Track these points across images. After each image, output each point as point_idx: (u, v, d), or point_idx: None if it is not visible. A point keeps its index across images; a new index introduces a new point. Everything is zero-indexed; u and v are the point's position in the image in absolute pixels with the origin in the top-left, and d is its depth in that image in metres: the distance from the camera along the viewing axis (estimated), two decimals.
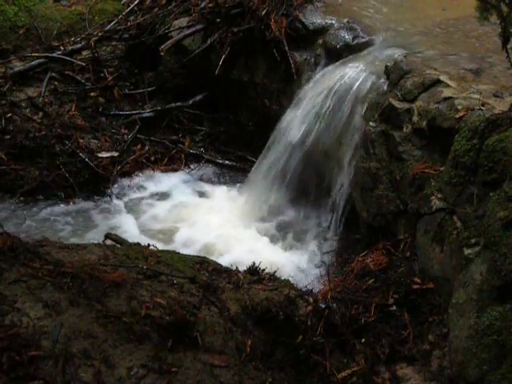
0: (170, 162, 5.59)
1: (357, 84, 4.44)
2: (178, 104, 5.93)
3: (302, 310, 3.36)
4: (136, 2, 6.50)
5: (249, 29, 5.37)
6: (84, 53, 6.20)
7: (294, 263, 4.46)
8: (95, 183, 5.19)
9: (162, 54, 5.62)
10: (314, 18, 5.24)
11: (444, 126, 3.59)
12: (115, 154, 5.42)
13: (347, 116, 4.48)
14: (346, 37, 4.95)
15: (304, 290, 3.71)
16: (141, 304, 2.86)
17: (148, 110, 5.88)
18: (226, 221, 4.91)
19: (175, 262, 3.45)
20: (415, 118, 3.84)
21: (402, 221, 3.95)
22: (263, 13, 5.28)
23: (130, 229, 4.82)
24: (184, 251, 3.90)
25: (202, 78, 5.79)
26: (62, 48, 6.23)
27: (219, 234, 4.72)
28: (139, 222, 4.94)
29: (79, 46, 6.23)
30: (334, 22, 5.15)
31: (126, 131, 5.71)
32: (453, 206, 3.36)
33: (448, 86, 3.82)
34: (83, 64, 6.05)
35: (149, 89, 6.01)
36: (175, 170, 5.54)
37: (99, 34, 6.29)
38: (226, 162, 5.70)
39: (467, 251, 3.11)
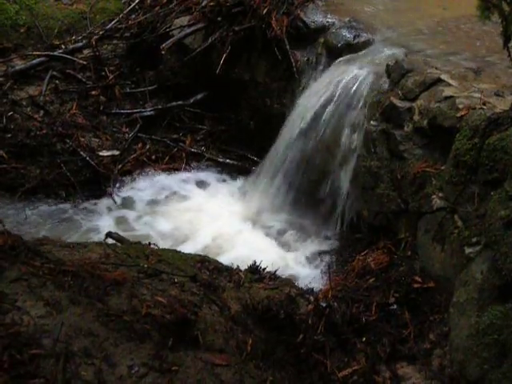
0: (170, 161, 5.59)
1: (358, 83, 4.44)
2: (179, 103, 5.93)
3: (302, 309, 3.37)
4: (137, 1, 6.51)
5: (250, 27, 5.37)
6: (85, 51, 6.21)
7: (295, 262, 4.47)
8: (96, 182, 5.19)
9: (163, 52, 5.61)
10: (315, 17, 5.25)
11: (445, 124, 3.58)
12: (116, 152, 5.42)
13: (348, 115, 4.48)
14: (347, 36, 4.95)
15: (305, 288, 3.72)
16: (142, 303, 2.86)
17: (149, 109, 5.88)
18: (227, 219, 4.91)
19: (176, 261, 3.46)
20: (416, 117, 3.84)
21: (403, 220, 3.95)
22: (264, 11, 5.28)
23: (130, 227, 4.83)
24: (185, 250, 3.90)
25: (203, 76, 5.79)
26: (63, 47, 6.24)
27: (220, 233, 4.72)
28: (140, 220, 4.94)
29: (80, 44, 6.23)
30: (335, 20, 5.15)
31: (127, 130, 5.71)
32: (454, 204, 3.36)
33: (449, 84, 3.82)
34: (84, 63, 6.06)
35: (150, 87, 6.02)
36: (176, 169, 5.54)
37: (100, 33, 6.29)
38: (227, 160, 5.70)
39: (468, 250, 3.11)
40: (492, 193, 3.01)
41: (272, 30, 5.20)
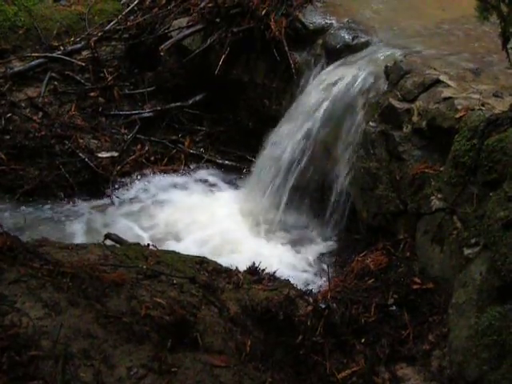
0: (169, 162, 5.59)
1: (356, 84, 4.44)
2: (178, 104, 5.92)
3: (301, 310, 3.36)
4: (136, 2, 6.50)
5: (248, 29, 5.37)
6: (84, 53, 6.20)
7: (294, 263, 4.46)
8: (95, 183, 5.19)
9: (161, 53, 5.62)
10: (314, 18, 5.24)
11: (444, 125, 3.59)
12: (115, 154, 5.41)
13: (347, 116, 4.48)
14: (346, 37, 4.95)
15: (304, 290, 3.72)
16: (140, 304, 2.86)
17: (148, 110, 5.88)
18: (225, 221, 4.91)
19: (175, 262, 3.45)
20: (415, 118, 3.84)
21: (402, 221, 3.95)
22: (263, 13, 5.28)
23: (129, 229, 4.82)
24: (184, 251, 3.89)
25: (201, 78, 5.79)
26: (61, 48, 6.23)
27: (219, 234, 4.72)
28: (139, 222, 4.94)
29: (79, 45, 6.23)
30: (333, 21, 5.15)
31: (126, 131, 5.70)
32: (453, 206, 3.36)
33: (448, 85, 3.82)
34: (83, 64, 6.05)
35: (148, 89, 6.01)
36: (175, 170, 5.53)
37: (99, 34, 6.29)
38: (226, 161, 5.70)
39: (467, 251, 3.11)
40: (491, 194, 3.01)
41: (271, 31, 5.20)
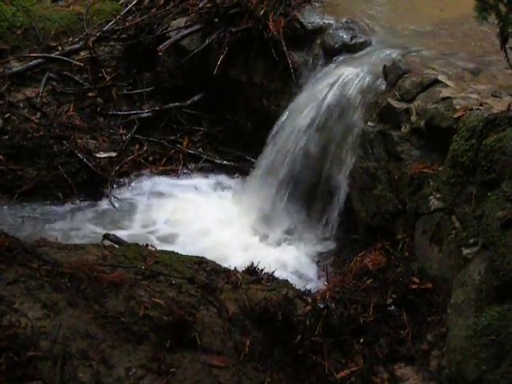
0: (168, 162, 5.58)
1: (355, 84, 4.44)
2: (177, 104, 5.91)
3: (300, 310, 3.36)
4: (134, 2, 6.48)
5: (247, 29, 5.37)
6: (82, 53, 6.18)
7: (293, 263, 4.46)
8: (93, 183, 5.18)
9: (160, 54, 5.62)
10: (313, 18, 5.24)
11: (442, 125, 3.59)
12: (113, 154, 5.41)
13: (345, 116, 4.48)
14: (345, 37, 4.95)
15: (302, 290, 3.71)
16: (139, 304, 2.85)
17: (146, 110, 5.87)
18: (224, 221, 4.91)
19: (173, 263, 3.45)
20: (413, 118, 3.84)
21: (401, 221, 3.95)
22: (261, 13, 5.27)
23: (128, 229, 4.82)
24: (182, 252, 3.89)
25: (200, 78, 5.78)
26: (59, 48, 6.21)
27: (218, 234, 4.72)
28: (137, 222, 4.93)
29: (77, 46, 6.21)
30: (332, 21, 5.15)
31: (124, 131, 5.69)
32: (451, 205, 3.36)
33: (446, 85, 3.82)
34: (81, 64, 6.04)
35: (147, 89, 5.99)
36: (173, 170, 5.53)
37: (97, 34, 6.27)
38: (225, 162, 5.69)
39: (466, 251, 3.11)
40: (489, 193, 3.01)
41: (269, 31, 5.20)
